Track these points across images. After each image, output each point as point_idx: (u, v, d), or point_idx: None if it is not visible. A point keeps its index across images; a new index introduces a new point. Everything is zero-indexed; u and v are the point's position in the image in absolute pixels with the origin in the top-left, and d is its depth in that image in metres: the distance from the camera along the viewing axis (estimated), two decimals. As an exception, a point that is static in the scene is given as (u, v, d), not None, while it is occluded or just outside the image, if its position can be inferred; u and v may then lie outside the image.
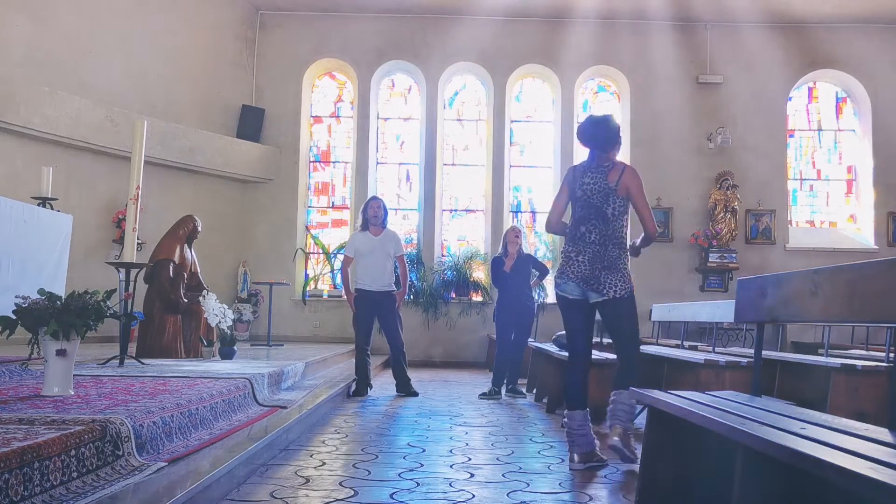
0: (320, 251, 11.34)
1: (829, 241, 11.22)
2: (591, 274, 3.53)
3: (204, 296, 6.28)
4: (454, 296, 11.04)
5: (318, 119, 11.89)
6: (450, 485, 2.96)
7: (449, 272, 11.07)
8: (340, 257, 8.88)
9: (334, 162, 11.85)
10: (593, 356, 5.11)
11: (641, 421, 4.63)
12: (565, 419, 3.54)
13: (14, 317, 3.14)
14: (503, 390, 6.61)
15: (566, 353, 5.18)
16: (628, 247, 3.72)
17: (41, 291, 3.25)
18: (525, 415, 5.37)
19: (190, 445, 2.91)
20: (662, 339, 8.77)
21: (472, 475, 3.15)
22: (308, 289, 11.00)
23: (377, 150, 11.76)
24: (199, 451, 2.84)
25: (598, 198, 3.59)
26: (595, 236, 3.58)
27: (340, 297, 9.75)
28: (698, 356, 5.35)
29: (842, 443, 1.61)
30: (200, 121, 10.72)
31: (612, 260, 3.55)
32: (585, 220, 3.62)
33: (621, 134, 3.89)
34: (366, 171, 11.39)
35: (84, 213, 8.55)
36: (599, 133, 3.72)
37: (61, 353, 3.17)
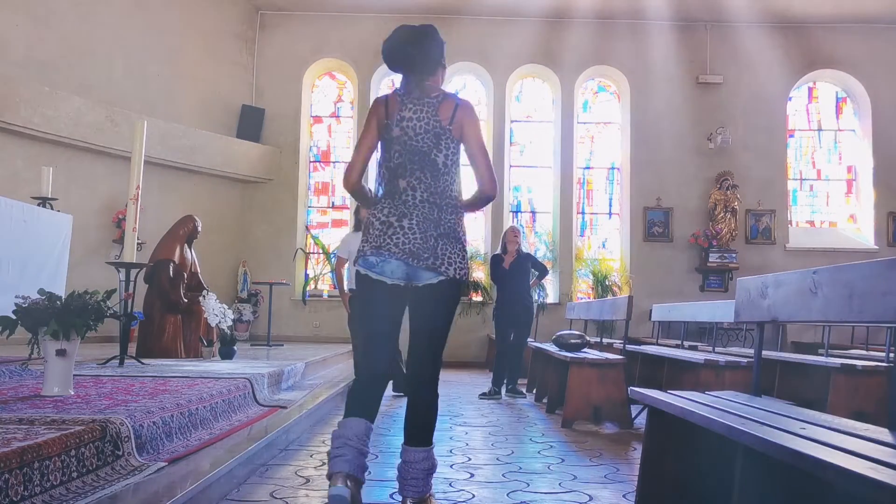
0: (320, 251, 11.34)
1: (829, 241, 11.23)
2: (423, 245, 2.50)
3: (204, 296, 6.28)
4: (454, 296, 11.02)
5: (318, 119, 11.89)
6: (450, 485, 2.96)
7: (449, 272, 11.05)
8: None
9: (334, 162, 11.85)
10: (591, 356, 5.12)
11: (641, 421, 4.64)
12: (336, 429, 2.46)
13: (14, 317, 3.14)
14: (503, 390, 6.61)
15: (567, 354, 5.20)
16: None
17: (41, 291, 3.25)
18: (525, 415, 5.38)
19: (190, 445, 2.91)
20: (662, 339, 8.77)
21: (472, 475, 3.15)
22: (308, 289, 11.00)
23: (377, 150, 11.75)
24: (199, 451, 2.84)
25: (425, 140, 2.57)
26: (422, 194, 2.56)
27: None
28: (698, 356, 5.35)
29: (842, 443, 1.61)
30: (200, 121, 10.72)
31: (450, 226, 2.57)
32: (406, 172, 2.58)
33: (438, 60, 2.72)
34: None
35: (84, 213, 8.54)
36: (417, 51, 2.65)
37: (61, 353, 3.17)
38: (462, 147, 2.65)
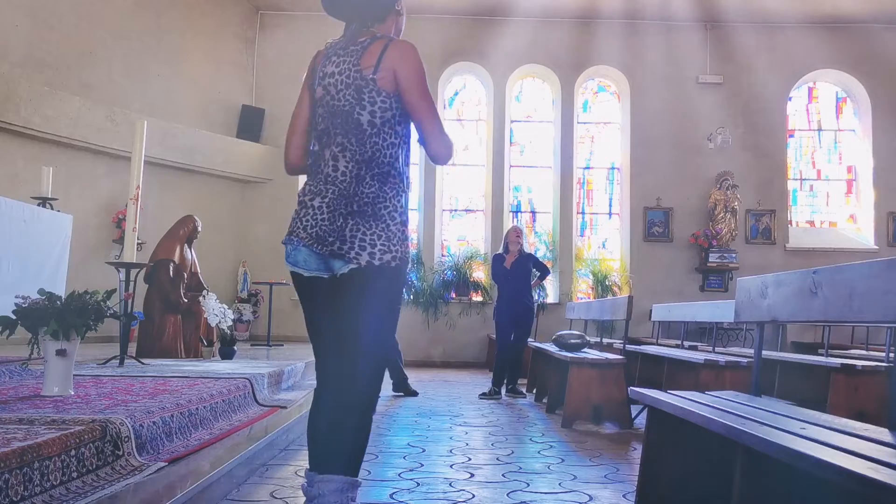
0: (320, 251, 11.32)
1: (829, 241, 11.23)
2: (330, 227, 2.03)
3: (204, 296, 6.28)
4: (454, 296, 11.05)
5: (318, 119, 11.88)
6: (450, 485, 2.96)
7: (449, 272, 11.08)
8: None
9: (334, 162, 11.84)
10: (591, 356, 5.11)
11: (641, 421, 4.64)
12: (304, 484, 2.02)
13: (14, 317, 3.13)
14: (503, 390, 6.61)
15: (567, 354, 5.20)
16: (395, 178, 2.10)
17: (41, 291, 3.25)
18: (525, 415, 5.38)
19: (190, 445, 2.90)
20: (662, 339, 8.77)
21: (472, 475, 3.15)
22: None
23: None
24: (199, 451, 2.84)
25: (346, 97, 2.08)
26: (345, 164, 2.07)
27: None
28: (698, 356, 5.35)
29: (842, 443, 1.61)
30: (200, 121, 10.72)
31: (367, 199, 2.03)
32: (329, 139, 2.12)
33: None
34: (366, 171, 11.38)
35: (84, 213, 8.55)
36: None
37: (61, 353, 3.17)
38: (403, 102, 2.09)
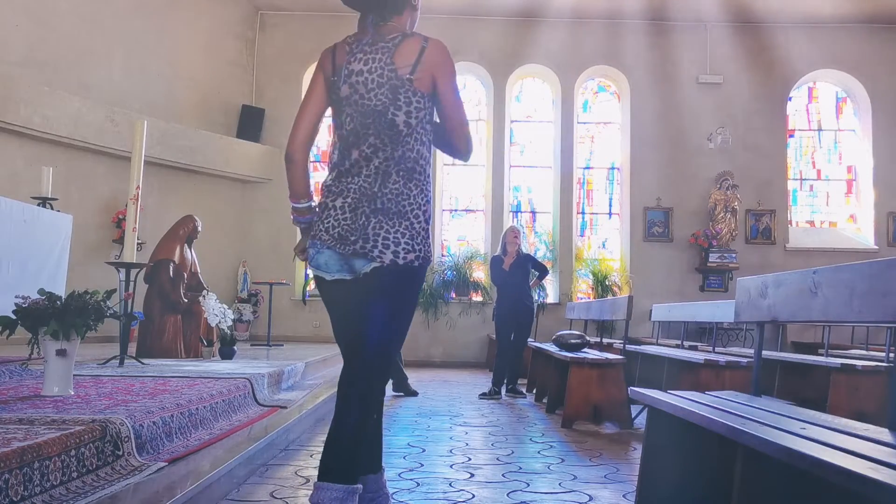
0: (320, 251, 11.32)
1: (829, 241, 11.23)
2: (352, 226, 2.01)
3: (204, 296, 6.28)
4: (454, 296, 11.05)
5: (318, 119, 11.87)
6: (450, 485, 2.96)
7: (449, 272, 11.08)
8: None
9: (334, 162, 11.84)
10: (591, 356, 5.11)
11: (641, 421, 4.64)
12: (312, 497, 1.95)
13: (14, 317, 3.13)
14: (503, 390, 6.61)
15: (567, 354, 5.20)
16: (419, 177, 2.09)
17: (41, 291, 3.25)
18: (525, 415, 5.38)
19: (190, 445, 2.90)
20: (662, 339, 8.77)
21: (472, 475, 3.15)
22: (308, 289, 10.89)
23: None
24: (199, 451, 2.84)
25: (379, 97, 2.04)
26: (378, 163, 2.04)
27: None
28: (698, 356, 5.35)
29: (842, 443, 1.61)
30: (200, 121, 10.72)
31: (391, 197, 2.02)
32: (360, 140, 2.06)
33: None
34: (366, 171, 11.38)
35: (84, 213, 8.54)
36: None
37: (61, 353, 3.17)
38: (440, 105, 2.11)
